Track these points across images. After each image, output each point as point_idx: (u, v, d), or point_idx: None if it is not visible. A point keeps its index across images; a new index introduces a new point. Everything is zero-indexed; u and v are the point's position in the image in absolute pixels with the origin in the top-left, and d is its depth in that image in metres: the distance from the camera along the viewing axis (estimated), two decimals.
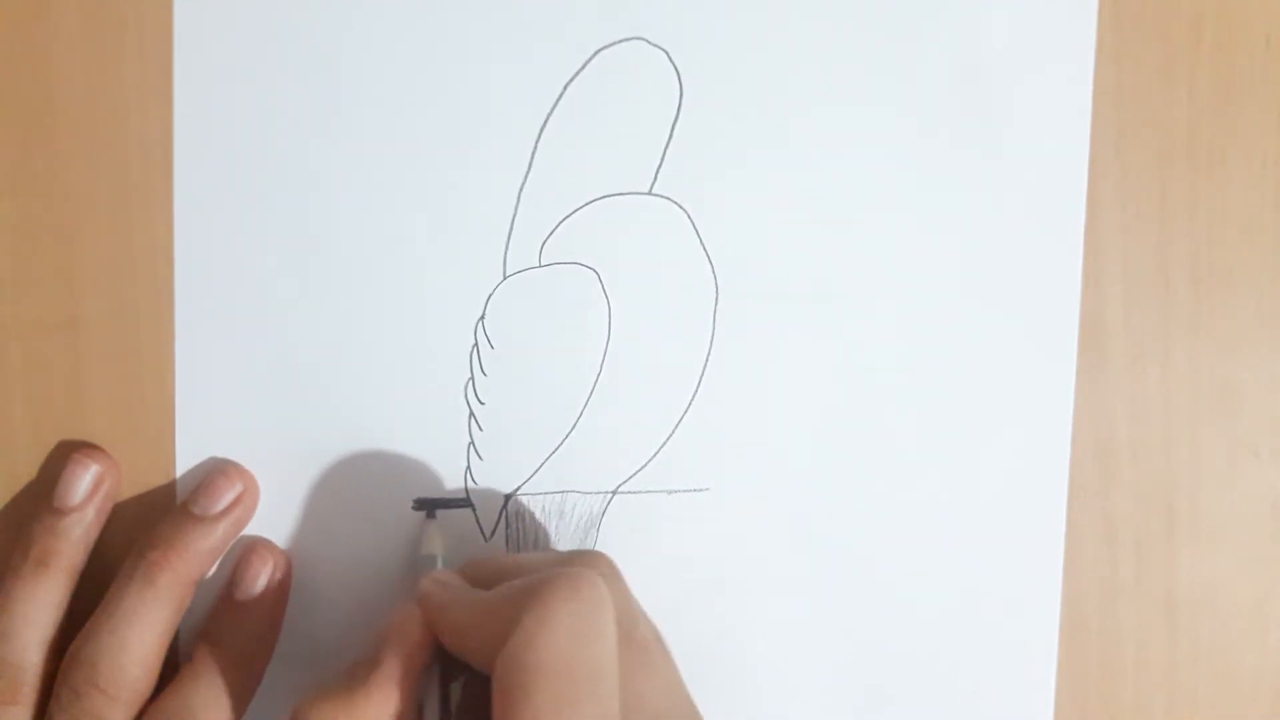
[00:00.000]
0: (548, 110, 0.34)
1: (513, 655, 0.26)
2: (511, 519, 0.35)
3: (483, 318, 0.34)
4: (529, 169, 0.34)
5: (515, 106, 0.34)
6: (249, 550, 0.33)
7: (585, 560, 0.31)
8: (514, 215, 0.34)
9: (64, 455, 0.33)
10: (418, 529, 0.34)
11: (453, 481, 0.34)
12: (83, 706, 0.30)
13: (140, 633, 0.31)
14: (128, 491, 0.34)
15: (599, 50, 0.34)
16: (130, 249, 0.33)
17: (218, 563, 0.33)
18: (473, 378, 0.34)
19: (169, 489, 0.34)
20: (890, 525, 0.35)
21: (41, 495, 0.33)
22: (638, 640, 0.29)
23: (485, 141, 0.34)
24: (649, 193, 0.34)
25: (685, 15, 0.34)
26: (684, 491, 0.35)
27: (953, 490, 0.35)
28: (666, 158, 0.34)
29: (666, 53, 0.34)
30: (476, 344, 0.34)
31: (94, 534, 0.33)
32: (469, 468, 0.34)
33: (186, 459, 0.34)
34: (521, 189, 0.34)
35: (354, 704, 0.27)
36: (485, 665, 0.27)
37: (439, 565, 0.32)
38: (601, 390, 0.35)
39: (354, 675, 0.28)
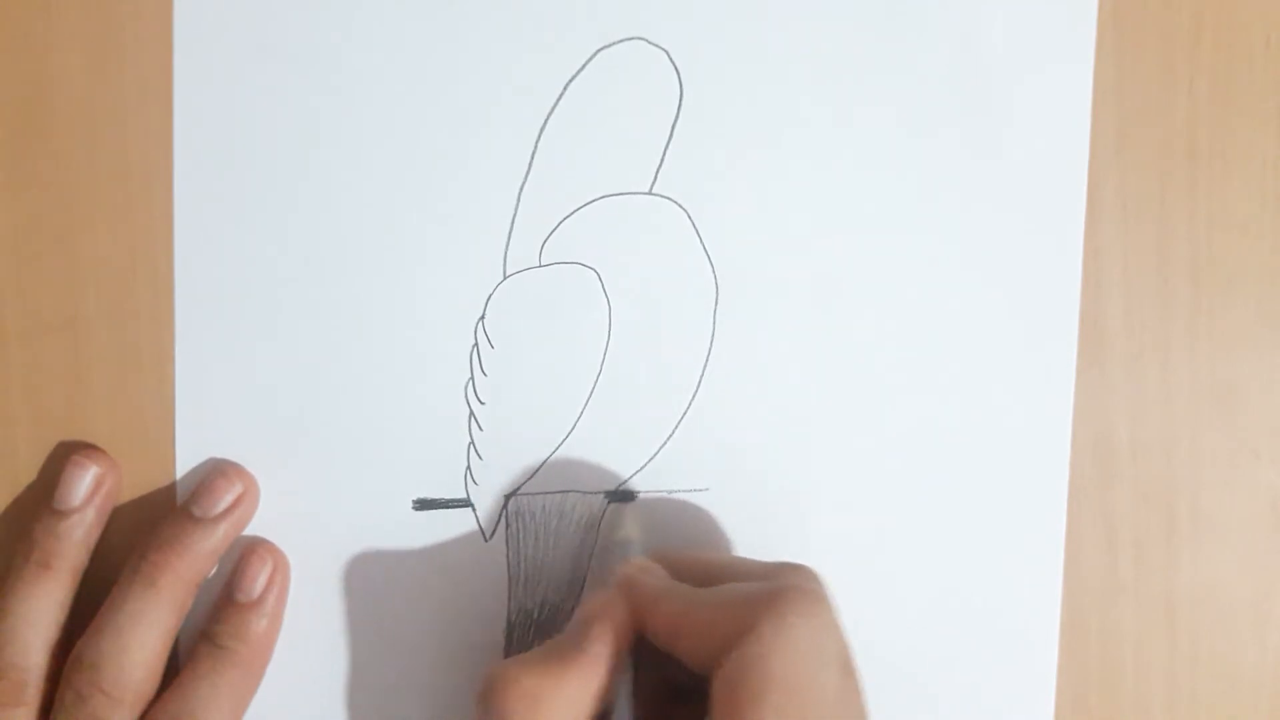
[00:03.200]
0: (548, 110, 0.34)
1: (747, 662, 0.26)
2: (511, 519, 0.35)
3: (483, 318, 0.34)
4: (529, 169, 0.34)
5: (515, 106, 0.34)
6: (249, 551, 0.33)
7: (804, 574, 0.30)
8: (514, 215, 0.34)
9: (64, 456, 0.33)
10: (404, 530, 0.34)
11: (453, 481, 0.34)
12: (86, 708, 0.30)
13: (142, 634, 0.31)
14: (128, 493, 0.34)
15: (599, 50, 0.34)
16: (130, 249, 0.33)
17: (218, 563, 0.33)
18: (473, 378, 0.34)
19: (169, 490, 0.34)
20: (890, 525, 0.35)
21: (42, 497, 0.33)
22: (851, 668, 0.28)
23: (485, 141, 0.34)
24: (649, 193, 0.34)
25: (685, 15, 0.34)
26: (684, 491, 0.35)
27: (953, 490, 0.35)
28: (666, 158, 0.34)
29: (666, 53, 0.34)
30: (476, 344, 0.34)
31: (95, 535, 0.33)
32: (469, 468, 0.34)
33: (186, 460, 0.34)
34: (521, 189, 0.34)
35: (558, 677, 0.27)
36: (700, 664, 0.27)
37: (637, 552, 0.32)
38: (601, 390, 0.35)
39: (560, 650, 0.28)
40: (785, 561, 0.31)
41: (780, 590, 0.27)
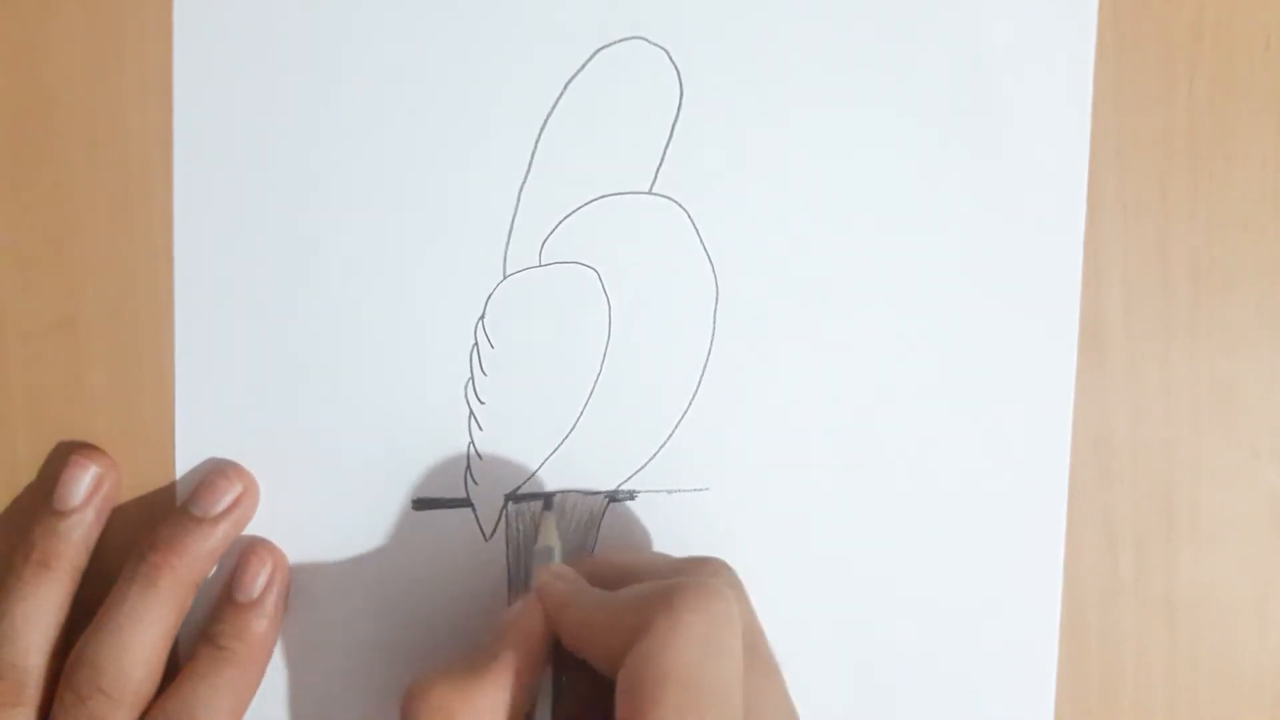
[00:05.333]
0: (548, 110, 0.34)
1: (641, 662, 0.25)
2: (511, 519, 0.35)
3: (483, 318, 0.34)
4: (529, 169, 0.34)
5: (515, 106, 0.34)
6: (249, 551, 0.33)
7: (710, 568, 0.30)
8: (514, 215, 0.34)
9: (64, 456, 0.33)
10: (404, 530, 0.34)
11: (453, 481, 0.34)
12: (86, 709, 0.30)
13: (142, 634, 0.31)
14: (128, 493, 0.34)
15: (599, 50, 0.34)
16: (130, 249, 0.33)
17: (218, 563, 0.33)
18: (473, 378, 0.34)
19: (169, 490, 0.34)
20: (890, 525, 0.35)
21: (41, 496, 0.33)
22: (760, 656, 0.28)
23: (485, 141, 0.34)
24: (649, 192, 0.34)
25: (685, 15, 0.34)
26: (684, 491, 0.35)
27: (953, 490, 0.35)
28: (666, 158, 0.34)
29: (666, 52, 0.34)
30: (476, 344, 0.34)
31: (94, 535, 0.33)
32: (469, 468, 0.34)
33: (186, 459, 0.34)
34: (521, 189, 0.34)
35: (471, 691, 0.27)
36: (606, 666, 0.27)
37: (557, 558, 0.32)
38: (601, 390, 0.35)
39: (472, 662, 0.28)
40: (694, 557, 0.31)
41: (674, 587, 0.27)
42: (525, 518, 0.35)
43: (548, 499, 0.34)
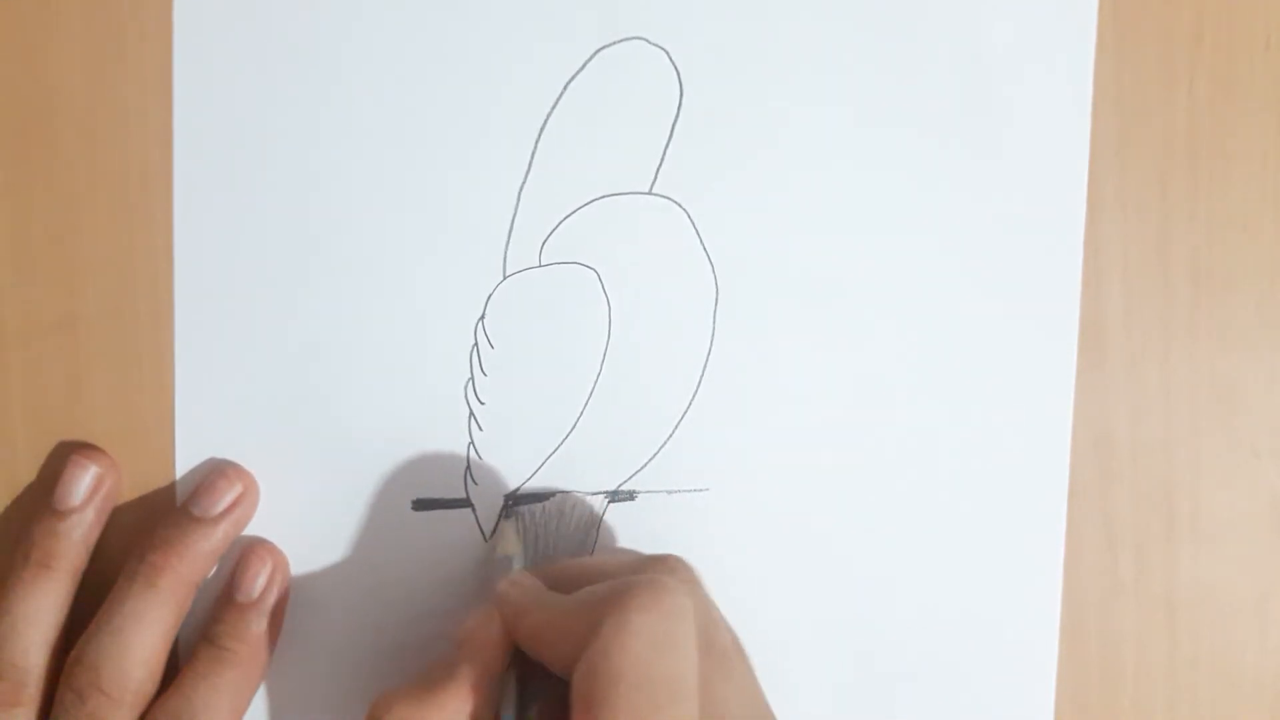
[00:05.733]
0: (548, 110, 0.34)
1: (591, 664, 0.25)
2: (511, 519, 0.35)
3: (483, 318, 0.34)
4: (529, 169, 0.34)
5: (515, 106, 0.34)
6: (249, 551, 0.33)
7: (665, 565, 0.30)
8: (514, 215, 0.34)
9: (64, 456, 0.33)
10: (404, 530, 0.34)
11: (453, 481, 0.34)
12: (86, 709, 0.30)
13: (142, 634, 0.31)
14: (128, 492, 0.34)
15: (599, 50, 0.34)
16: (130, 249, 0.33)
17: (218, 563, 0.33)
18: (473, 378, 0.34)
19: (169, 490, 0.34)
20: (890, 525, 0.35)
21: (41, 497, 0.33)
22: (718, 649, 0.28)
23: (485, 141, 0.34)
24: (649, 193, 0.34)
25: (685, 15, 0.34)
26: (684, 491, 0.35)
27: (953, 490, 0.35)
28: (666, 158, 0.34)
29: (666, 53, 0.34)
30: (476, 344, 0.34)
31: (94, 535, 0.33)
32: (469, 468, 0.34)
33: (186, 459, 0.34)
34: (521, 189, 0.34)
35: (430, 706, 0.27)
36: (563, 671, 0.27)
37: (515, 566, 0.32)
38: (601, 390, 0.35)
39: (431, 676, 0.28)
40: (653, 555, 0.31)
41: (625, 586, 0.27)
42: (525, 518, 0.35)
43: (506, 508, 0.34)
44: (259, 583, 0.33)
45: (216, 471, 0.33)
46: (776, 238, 0.35)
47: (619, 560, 0.32)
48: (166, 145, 0.33)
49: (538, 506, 0.35)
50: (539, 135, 0.34)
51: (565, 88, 0.34)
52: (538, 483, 0.35)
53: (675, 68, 0.34)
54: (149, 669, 0.31)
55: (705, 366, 0.35)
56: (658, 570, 0.29)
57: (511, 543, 0.33)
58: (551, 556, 0.34)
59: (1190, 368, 0.36)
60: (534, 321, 0.34)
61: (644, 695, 0.25)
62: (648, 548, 0.35)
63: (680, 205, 0.35)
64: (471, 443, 0.34)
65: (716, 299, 0.35)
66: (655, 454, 0.35)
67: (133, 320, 0.33)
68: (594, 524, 0.35)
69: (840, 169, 0.35)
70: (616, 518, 0.35)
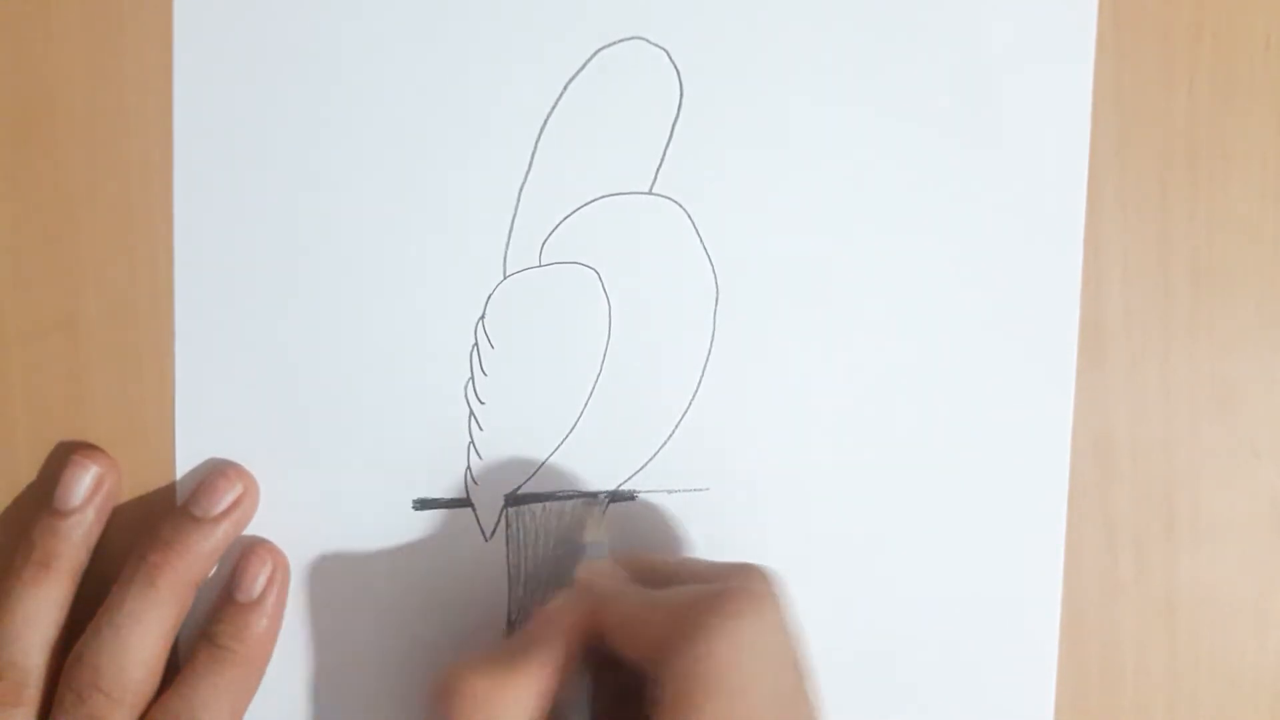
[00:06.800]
0: (548, 110, 0.34)
1: (692, 663, 0.25)
2: (511, 519, 0.35)
3: (483, 318, 0.34)
4: (529, 169, 0.34)
5: (515, 106, 0.34)
6: (249, 551, 0.33)
7: (757, 575, 0.30)
8: (514, 215, 0.34)
9: (64, 456, 0.33)
10: (404, 530, 0.34)
11: (453, 481, 0.34)
12: (85, 709, 0.30)
13: (142, 634, 0.31)
14: (128, 492, 0.34)
15: (599, 50, 0.34)
16: (130, 249, 0.33)
17: (218, 563, 0.33)
18: (473, 378, 0.34)
19: (169, 490, 0.34)
20: (890, 525, 0.35)
21: (42, 497, 0.33)
22: (803, 663, 0.28)
23: (485, 141, 0.34)
24: (649, 192, 0.34)
25: (685, 15, 0.34)
26: (684, 491, 0.35)
27: (953, 490, 0.35)
28: (666, 158, 0.34)
29: (666, 53, 0.34)
30: (476, 344, 0.34)
31: (95, 535, 0.33)
32: (469, 468, 0.34)
33: (186, 460, 0.34)
34: (521, 189, 0.34)
35: (505, 680, 0.27)
36: (650, 664, 0.27)
37: (603, 554, 0.32)
38: (601, 390, 0.35)
39: (510, 651, 0.28)
40: (739, 562, 0.31)
41: (726, 592, 0.27)
42: (525, 518, 0.35)
43: (589, 496, 0.34)
44: (259, 583, 0.33)
45: (216, 471, 0.33)
46: (776, 238, 0.35)
47: (704, 564, 0.32)
48: (166, 145, 0.33)
49: (537, 506, 0.35)
50: (539, 135, 0.34)
51: (565, 88, 0.34)
52: (538, 483, 0.35)
53: (675, 68, 0.34)
54: (149, 669, 0.31)
55: (705, 366, 0.35)
56: (751, 579, 0.29)
57: (599, 529, 0.33)
58: (630, 550, 0.34)
59: (1190, 368, 0.36)
60: (534, 321, 0.34)
61: (739, 704, 0.25)
62: (647, 548, 0.35)
63: (680, 205, 0.35)
64: (471, 443, 0.34)
65: (716, 299, 0.35)
66: (655, 454, 0.35)
67: (133, 320, 0.33)
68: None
69: (840, 169, 0.35)
70: (616, 518, 0.35)
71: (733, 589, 0.27)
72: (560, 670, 0.28)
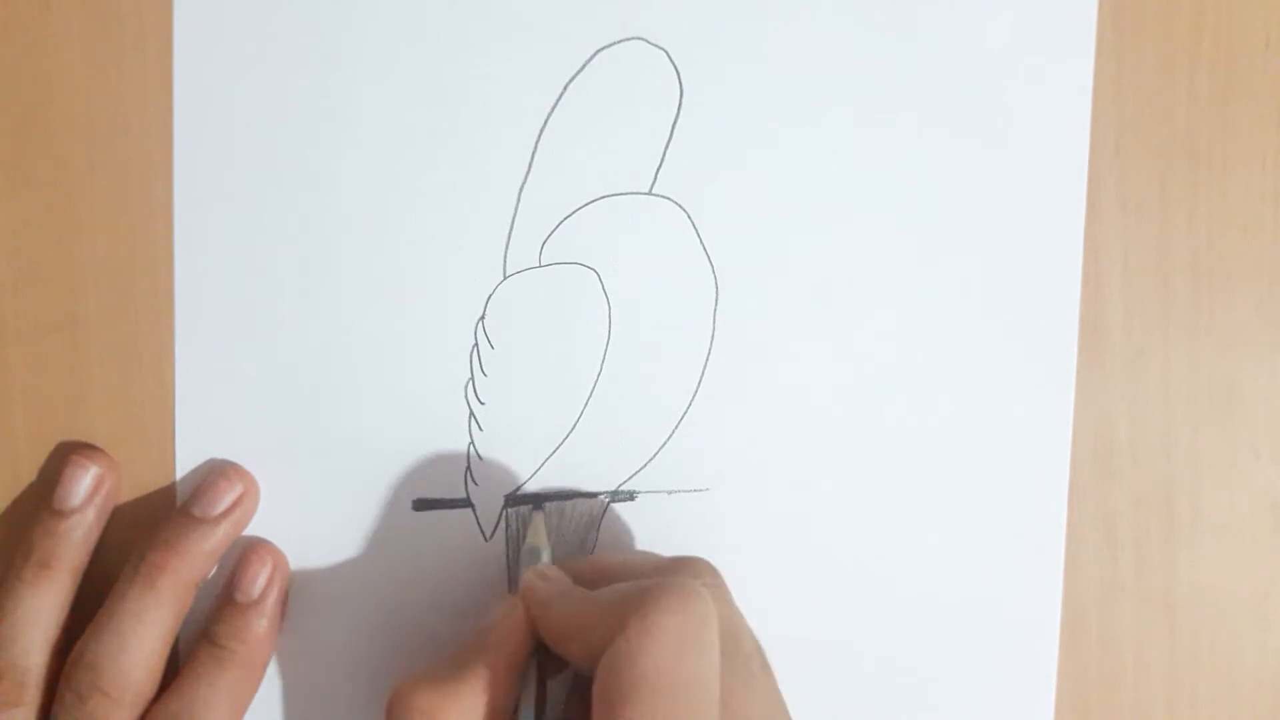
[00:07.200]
0: (548, 110, 0.34)
1: (614, 663, 0.25)
2: (511, 519, 0.35)
3: (483, 318, 0.34)
4: (529, 169, 0.34)
5: (515, 106, 0.34)
6: (249, 551, 0.33)
7: (691, 568, 0.30)
8: (514, 215, 0.34)
9: (64, 456, 0.33)
10: (404, 530, 0.34)
11: (453, 481, 0.34)
12: (86, 709, 0.30)
13: (142, 635, 0.31)
14: (128, 493, 0.34)
15: (599, 50, 0.34)
16: (130, 249, 0.33)
17: (218, 563, 0.33)
18: (473, 378, 0.34)
19: (169, 490, 0.34)
20: (890, 525, 0.35)
21: (42, 497, 0.33)
22: (741, 656, 0.28)
23: (485, 141, 0.34)
24: (649, 193, 0.34)
25: (685, 15, 0.34)
26: (684, 491, 0.35)
27: (953, 490, 0.35)
28: (666, 158, 0.34)
29: (666, 53, 0.34)
30: (476, 344, 0.34)
31: (95, 535, 0.33)
32: (469, 468, 0.34)
33: (186, 460, 0.34)
34: (521, 189, 0.34)
35: (452, 693, 0.27)
36: (586, 667, 0.27)
37: (544, 559, 0.32)
38: (601, 390, 0.35)
39: (456, 663, 0.28)
40: (679, 556, 0.31)
41: (651, 587, 0.27)
42: (524, 518, 0.35)
43: (538, 500, 0.34)
44: (259, 583, 0.33)
45: (216, 471, 0.33)
46: (776, 238, 0.35)
47: (646, 560, 0.32)
48: (166, 145, 0.33)
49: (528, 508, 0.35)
50: (539, 135, 0.34)
51: (565, 88, 0.34)
52: (538, 483, 0.35)
53: (675, 68, 0.34)
54: (149, 669, 0.31)
55: (705, 366, 0.35)
56: (685, 573, 0.29)
57: (540, 535, 0.33)
58: (576, 553, 0.34)
59: (1190, 368, 0.36)
60: (534, 321, 0.34)
61: (665, 699, 0.25)
62: (648, 547, 0.35)
63: (680, 205, 0.35)
64: (471, 443, 0.34)
65: (716, 299, 0.35)
66: (655, 454, 0.35)
67: (133, 320, 0.34)
68: (594, 524, 0.35)
69: (840, 169, 0.35)
70: (616, 518, 0.35)
71: (657, 584, 0.27)
72: (508, 677, 0.28)
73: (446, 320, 0.34)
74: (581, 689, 0.28)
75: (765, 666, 0.29)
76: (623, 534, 0.35)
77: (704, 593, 0.27)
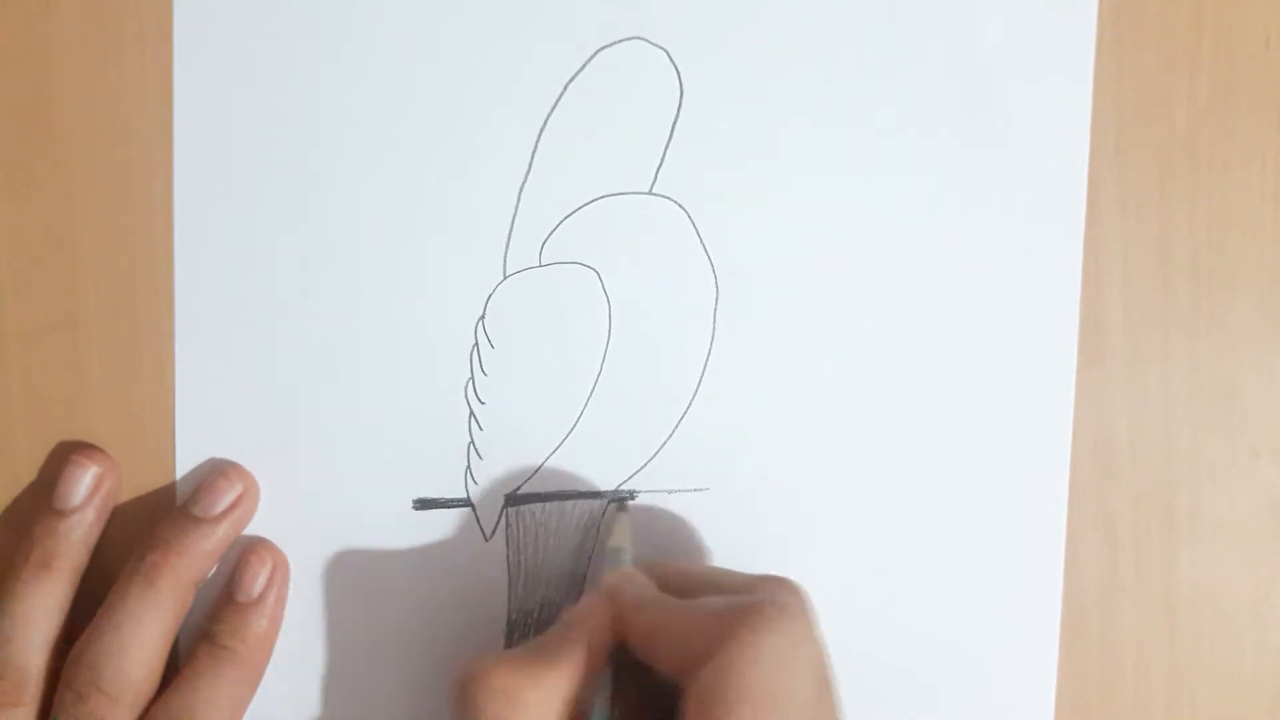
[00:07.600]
0: (548, 110, 0.34)
1: (718, 678, 0.26)
2: (511, 519, 0.35)
3: (483, 318, 0.34)
4: (529, 169, 0.34)
5: (515, 106, 0.34)
6: (249, 551, 0.33)
7: (785, 587, 0.30)
8: (514, 215, 0.34)
9: (64, 456, 0.33)
10: (404, 530, 0.34)
11: (453, 481, 0.34)
12: (85, 708, 0.30)
13: (142, 634, 0.31)
14: (128, 492, 0.34)
15: (599, 50, 0.34)
16: (130, 249, 0.33)
17: (218, 563, 0.33)
18: (473, 378, 0.34)
19: (169, 490, 0.34)
20: (890, 525, 0.35)
21: (41, 496, 0.33)
22: (827, 681, 0.28)
23: (485, 141, 0.34)
24: (649, 192, 0.34)
25: (685, 15, 0.34)
26: (684, 491, 0.35)
27: (953, 490, 0.35)
28: (666, 158, 0.34)
29: (666, 53, 0.34)
30: (476, 344, 0.34)
31: (95, 535, 0.33)
32: (469, 468, 0.34)
33: (186, 459, 0.34)
34: (521, 189, 0.34)
35: (536, 675, 0.27)
36: (676, 673, 0.27)
37: (627, 560, 0.32)
38: (601, 390, 0.35)
39: (539, 650, 0.28)
40: (768, 574, 0.31)
41: (755, 604, 0.27)
42: (525, 518, 0.35)
43: (620, 501, 0.34)
44: (259, 582, 0.33)
45: (216, 471, 0.33)
46: (776, 238, 0.35)
47: (732, 575, 0.32)
48: (166, 145, 0.33)
49: (537, 506, 0.35)
50: (539, 135, 0.34)
51: (565, 88, 0.34)
52: (538, 483, 0.35)
53: (675, 68, 0.34)
54: (149, 668, 0.31)
55: (705, 366, 0.35)
56: (779, 592, 0.29)
57: (625, 535, 0.33)
58: (655, 558, 0.34)
59: (1190, 368, 0.36)
60: (534, 321, 0.34)
61: (766, 715, 0.25)
62: (647, 547, 0.35)
63: (680, 205, 0.35)
64: (471, 443, 0.34)
65: (716, 299, 0.35)
66: (655, 454, 0.35)
67: (133, 320, 0.34)
68: (594, 524, 0.35)
69: (840, 169, 0.35)
70: (616, 518, 0.35)
71: (761, 601, 0.27)
72: (588, 670, 0.28)
73: (446, 320, 0.34)
74: (650, 694, 0.28)
75: (837, 692, 0.29)
76: (623, 534, 0.35)
77: (808, 615, 0.28)
